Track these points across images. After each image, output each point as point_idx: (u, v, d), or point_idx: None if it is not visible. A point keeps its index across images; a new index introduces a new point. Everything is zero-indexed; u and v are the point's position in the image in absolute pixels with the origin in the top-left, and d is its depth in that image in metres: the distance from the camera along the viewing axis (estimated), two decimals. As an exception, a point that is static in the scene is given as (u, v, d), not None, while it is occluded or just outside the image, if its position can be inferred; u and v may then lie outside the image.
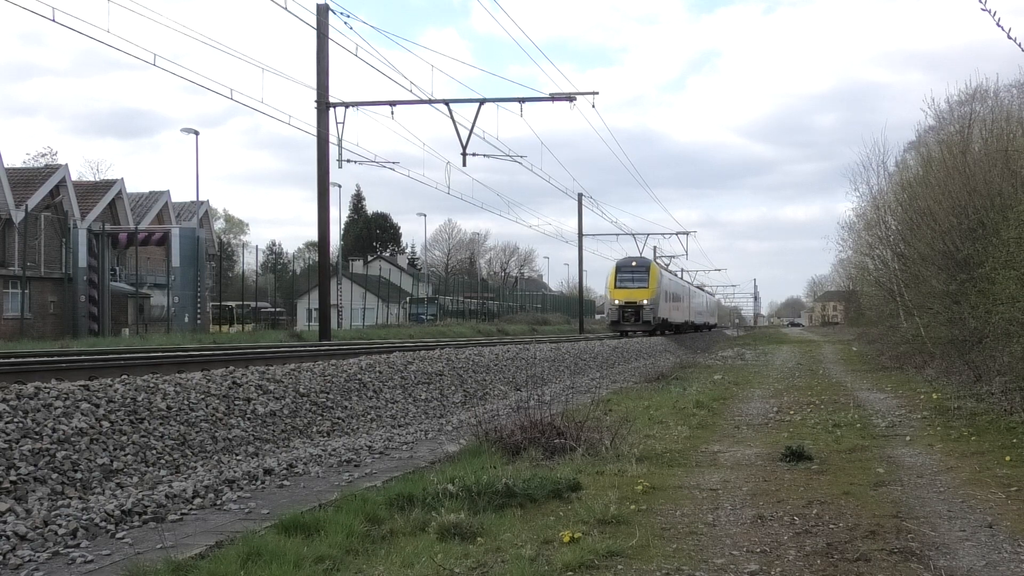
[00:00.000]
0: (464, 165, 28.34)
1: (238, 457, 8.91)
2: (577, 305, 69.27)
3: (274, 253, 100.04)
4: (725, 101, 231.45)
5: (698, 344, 49.30)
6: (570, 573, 5.24)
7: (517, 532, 6.11)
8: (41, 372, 10.54)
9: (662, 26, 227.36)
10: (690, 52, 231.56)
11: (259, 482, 8.01)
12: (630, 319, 43.76)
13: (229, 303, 56.03)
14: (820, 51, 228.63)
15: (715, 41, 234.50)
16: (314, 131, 26.60)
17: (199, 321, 42.41)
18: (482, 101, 27.04)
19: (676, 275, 60.17)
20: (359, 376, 13.22)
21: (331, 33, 26.41)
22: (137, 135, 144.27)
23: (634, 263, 45.87)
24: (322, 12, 25.89)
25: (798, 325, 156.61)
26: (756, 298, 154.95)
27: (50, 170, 45.99)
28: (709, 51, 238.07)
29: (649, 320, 43.66)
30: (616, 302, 44.60)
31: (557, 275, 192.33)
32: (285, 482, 8.10)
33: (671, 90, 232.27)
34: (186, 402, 9.25)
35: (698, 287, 76.29)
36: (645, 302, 43.73)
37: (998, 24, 6.82)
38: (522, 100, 27.17)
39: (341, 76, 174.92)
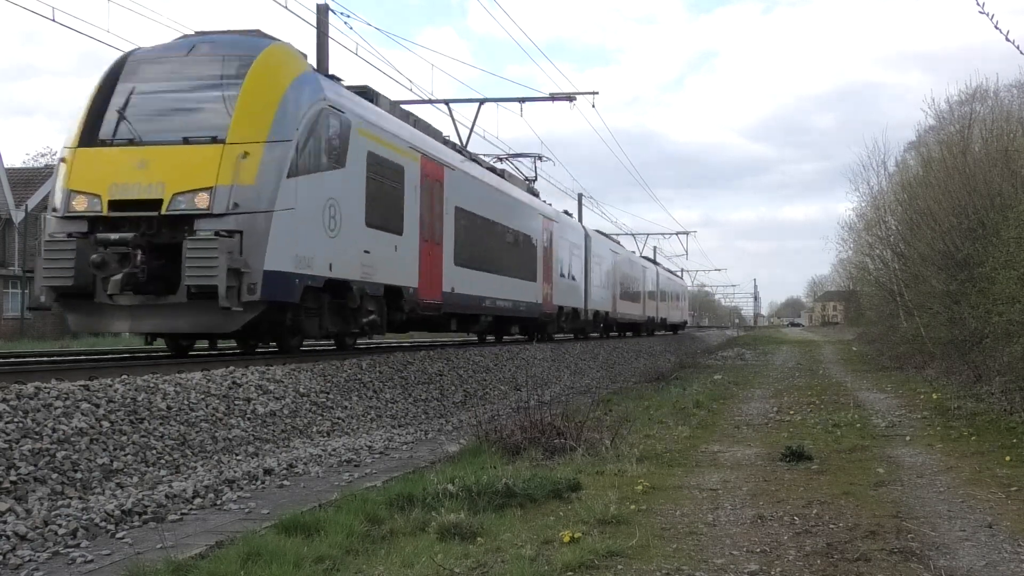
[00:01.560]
0: (464, 165, 28.31)
1: (238, 457, 8.90)
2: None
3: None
4: (724, 101, 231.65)
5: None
6: (570, 573, 5.24)
7: (517, 532, 6.11)
8: (41, 372, 10.52)
9: (660, 26, 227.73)
10: (689, 52, 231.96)
11: (259, 482, 8.01)
12: (110, 264, 10.78)
13: (229, 303, 55.94)
14: (819, 51, 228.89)
15: (714, 41, 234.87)
16: (314, 131, 26.57)
17: (199, 321, 42.33)
18: (482, 101, 27.00)
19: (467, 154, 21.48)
20: (359, 376, 13.21)
21: (331, 32, 26.39)
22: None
23: (191, 51, 12.12)
24: (322, 11, 25.81)
25: (798, 325, 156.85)
26: (756, 298, 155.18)
27: (50, 170, 46.00)
28: (708, 51, 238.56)
29: (221, 288, 10.61)
30: (74, 206, 11.00)
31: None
32: (285, 482, 8.10)
33: (670, 90, 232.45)
34: (186, 402, 9.24)
35: (647, 259, 47.73)
36: (204, 205, 10.75)
37: (996, 27, 6.85)
38: (522, 100, 27.14)
39: (341, 75, 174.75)
